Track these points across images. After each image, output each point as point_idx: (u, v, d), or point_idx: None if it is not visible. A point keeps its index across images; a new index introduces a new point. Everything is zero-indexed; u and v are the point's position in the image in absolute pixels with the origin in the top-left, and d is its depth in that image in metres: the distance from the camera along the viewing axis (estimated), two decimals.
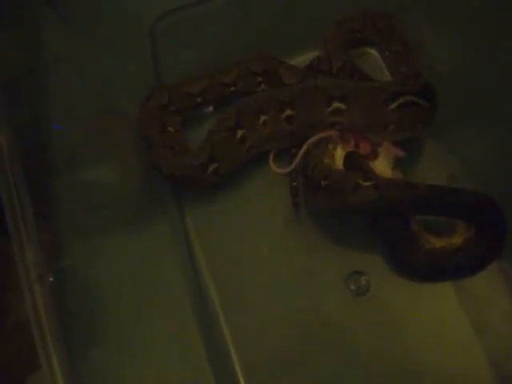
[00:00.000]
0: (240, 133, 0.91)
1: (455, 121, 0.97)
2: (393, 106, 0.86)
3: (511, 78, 0.93)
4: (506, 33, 0.94)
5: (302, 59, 1.02)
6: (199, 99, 0.98)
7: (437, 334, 0.86)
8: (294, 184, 0.94)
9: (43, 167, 0.93)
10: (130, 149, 0.97)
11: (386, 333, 0.87)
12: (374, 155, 0.87)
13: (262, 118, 0.91)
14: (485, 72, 0.97)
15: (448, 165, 0.95)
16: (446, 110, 0.92)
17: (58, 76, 0.98)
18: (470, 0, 1.00)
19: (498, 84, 0.95)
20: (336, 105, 0.87)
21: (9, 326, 1.02)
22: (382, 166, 0.87)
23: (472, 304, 0.87)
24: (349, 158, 0.87)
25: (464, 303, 0.87)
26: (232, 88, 0.98)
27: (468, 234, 0.85)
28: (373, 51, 1.06)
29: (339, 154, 0.88)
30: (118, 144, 0.98)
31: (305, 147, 0.90)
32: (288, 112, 0.90)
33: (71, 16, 1.02)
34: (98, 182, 0.94)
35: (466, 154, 0.96)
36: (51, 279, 0.75)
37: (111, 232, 0.92)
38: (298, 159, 0.91)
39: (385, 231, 0.88)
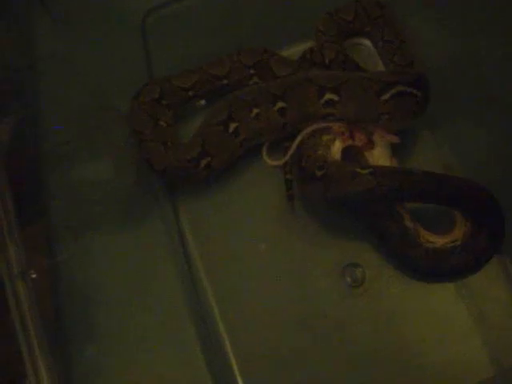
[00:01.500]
0: (232, 126, 0.90)
1: (450, 111, 0.96)
2: (385, 96, 0.85)
3: (506, 69, 0.92)
4: (501, 23, 0.94)
5: (294, 51, 1.01)
6: (191, 93, 0.97)
7: (434, 325, 0.86)
8: (288, 177, 0.93)
9: (36, 164, 0.93)
10: (123, 145, 0.96)
11: (383, 325, 0.87)
12: (371, 145, 0.87)
13: (255, 110, 0.90)
14: (479, 62, 0.96)
15: (443, 155, 0.95)
16: (440, 100, 0.91)
17: (49, 73, 0.98)
18: None
19: (493, 74, 0.94)
20: (328, 96, 0.87)
21: (8, 327, 1.02)
22: (381, 156, 0.87)
23: (470, 295, 0.87)
24: (345, 152, 0.87)
25: (462, 294, 0.87)
26: (224, 81, 0.97)
27: (467, 226, 0.84)
28: (366, 41, 1.04)
29: (337, 146, 0.88)
30: (111, 140, 0.97)
31: (299, 138, 0.90)
32: (280, 104, 0.89)
33: (63, 14, 1.02)
34: (90, 178, 0.94)
35: (461, 144, 0.96)
36: (34, 276, 0.75)
37: (105, 228, 0.92)
38: (291, 151, 0.91)
39: (380, 231, 0.88)
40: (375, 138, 0.87)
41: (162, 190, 0.96)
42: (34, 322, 0.71)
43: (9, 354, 0.81)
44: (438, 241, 0.86)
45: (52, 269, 0.86)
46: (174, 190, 0.96)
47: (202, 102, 1.00)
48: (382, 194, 0.81)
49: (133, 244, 0.91)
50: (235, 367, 0.86)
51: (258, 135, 0.93)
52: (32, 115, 0.96)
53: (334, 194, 0.84)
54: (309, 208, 0.93)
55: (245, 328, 0.88)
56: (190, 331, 0.86)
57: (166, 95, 0.96)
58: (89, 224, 0.91)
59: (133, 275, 0.88)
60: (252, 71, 0.97)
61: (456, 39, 0.99)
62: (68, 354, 0.82)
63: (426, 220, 0.87)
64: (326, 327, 0.87)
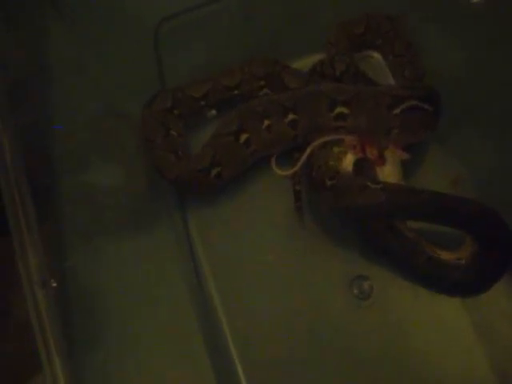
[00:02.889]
0: (243, 137, 0.91)
1: (459, 125, 0.97)
2: (397, 110, 0.85)
3: None
4: (509, 36, 0.94)
5: (305, 63, 1.01)
6: (202, 103, 0.98)
7: (440, 338, 0.86)
8: (297, 188, 0.94)
9: (47, 169, 0.93)
10: (134, 152, 0.97)
11: (389, 337, 0.87)
12: (382, 160, 0.87)
13: (266, 122, 0.91)
14: (488, 76, 0.96)
15: (451, 169, 0.95)
16: (449, 113, 0.91)
17: (62, 78, 0.98)
18: (471, 3, 1.00)
19: (502, 88, 0.94)
20: (339, 109, 0.87)
21: (10, 328, 1.02)
22: (391, 174, 0.87)
23: (476, 308, 0.87)
24: (356, 166, 0.87)
25: (468, 307, 0.87)
26: (235, 91, 0.98)
27: (475, 248, 0.84)
28: (376, 54, 1.05)
29: (349, 158, 0.88)
30: (122, 147, 0.98)
31: (309, 149, 0.90)
32: (291, 116, 0.90)
33: (75, 17, 1.02)
34: (101, 185, 0.94)
35: (470, 158, 0.96)
36: (54, 285, 0.75)
37: (114, 234, 0.92)
38: (301, 162, 0.91)
39: (381, 244, 0.89)
40: (386, 153, 0.87)
41: (172, 198, 0.96)
42: (53, 330, 0.72)
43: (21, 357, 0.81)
44: (443, 254, 0.86)
45: (61, 273, 0.87)
46: (183, 199, 0.96)
47: (213, 111, 1.00)
48: (390, 211, 0.82)
49: (142, 251, 0.90)
50: (242, 376, 0.86)
51: (268, 146, 0.93)
52: (43, 120, 0.96)
53: (343, 205, 0.84)
54: (317, 219, 0.93)
55: (252, 337, 0.88)
56: (198, 339, 0.86)
57: (178, 105, 0.97)
58: (98, 230, 0.91)
59: (141, 281, 0.88)
60: (263, 82, 0.98)
61: (465, 52, 1.00)
62: (75, 358, 0.82)
63: (434, 236, 0.87)
64: (332, 339, 0.87)
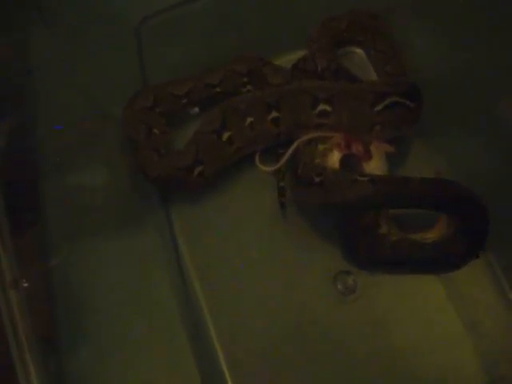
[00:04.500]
0: (226, 135, 0.90)
1: (441, 119, 0.97)
2: (379, 107, 0.86)
3: (495, 78, 0.93)
4: (492, 34, 0.95)
5: (288, 59, 1.01)
6: (184, 100, 0.97)
7: (426, 332, 0.87)
8: (281, 184, 0.94)
9: (31, 170, 0.93)
10: (118, 151, 0.96)
11: (374, 332, 0.87)
12: (368, 156, 0.87)
13: (248, 119, 0.91)
14: (470, 72, 0.97)
15: (434, 163, 0.95)
16: (432, 108, 0.92)
17: (46, 78, 0.98)
18: (457, 0, 1.01)
19: (483, 84, 0.95)
20: (322, 107, 0.87)
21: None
22: (377, 166, 0.87)
23: (462, 303, 0.88)
24: (343, 162, 0.87)
25: (454, 302, 0.88)
26: (217, 89, 0.97)
27: (447, 231, 0.85)
28: (359, 51, 1.05)
29: (336, 155, 0.88)
30: (106, 146, 0.97)
31: (294, 145, 0.90)
32: (274, 114, 0.90)
33: (60, 21, 1.01)
34: (85, 185, 0.94)
35: (452, 152, 0.97)
36: (26, 285, 0.75)
37: (99, 234, 0.92)
38: (285, 158, 0.91)
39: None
40: (371, 148, 0.87)
41: (157, 197, 0.96)
42: (26, 331, 0.72)
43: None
44: (413, 237, 0.87)
45: (47, 275, 0.87)
46: (167, 197, 0.96)
47: (196, 109, 1.00)
48: (380, 202, 0.82)
49: (127, 250, 0.91)
50: (227, 374, 0.86)
51: (251, 143, 0.93)
52: (25, 121, 0.96)
53: (333, 201, 0.84)
54: (301, 215, 0.94)
55: (237, 335, 0.88)
56: (183, 337, 0.87)
57: (160, 103, 0.96)
58: (84, 231, 0.91)
59: (127, 281, 0.88)
60: (246, 79, 0.98)
61: (449, 49, 1.00)
62: (61, 360, 0.82)
63: (405, 219, 0.89)
64: (317, 334, 0.88)
